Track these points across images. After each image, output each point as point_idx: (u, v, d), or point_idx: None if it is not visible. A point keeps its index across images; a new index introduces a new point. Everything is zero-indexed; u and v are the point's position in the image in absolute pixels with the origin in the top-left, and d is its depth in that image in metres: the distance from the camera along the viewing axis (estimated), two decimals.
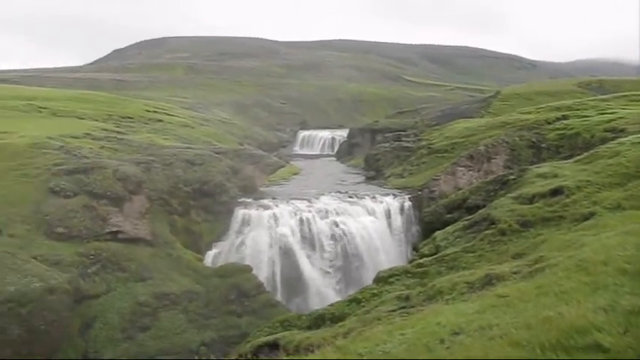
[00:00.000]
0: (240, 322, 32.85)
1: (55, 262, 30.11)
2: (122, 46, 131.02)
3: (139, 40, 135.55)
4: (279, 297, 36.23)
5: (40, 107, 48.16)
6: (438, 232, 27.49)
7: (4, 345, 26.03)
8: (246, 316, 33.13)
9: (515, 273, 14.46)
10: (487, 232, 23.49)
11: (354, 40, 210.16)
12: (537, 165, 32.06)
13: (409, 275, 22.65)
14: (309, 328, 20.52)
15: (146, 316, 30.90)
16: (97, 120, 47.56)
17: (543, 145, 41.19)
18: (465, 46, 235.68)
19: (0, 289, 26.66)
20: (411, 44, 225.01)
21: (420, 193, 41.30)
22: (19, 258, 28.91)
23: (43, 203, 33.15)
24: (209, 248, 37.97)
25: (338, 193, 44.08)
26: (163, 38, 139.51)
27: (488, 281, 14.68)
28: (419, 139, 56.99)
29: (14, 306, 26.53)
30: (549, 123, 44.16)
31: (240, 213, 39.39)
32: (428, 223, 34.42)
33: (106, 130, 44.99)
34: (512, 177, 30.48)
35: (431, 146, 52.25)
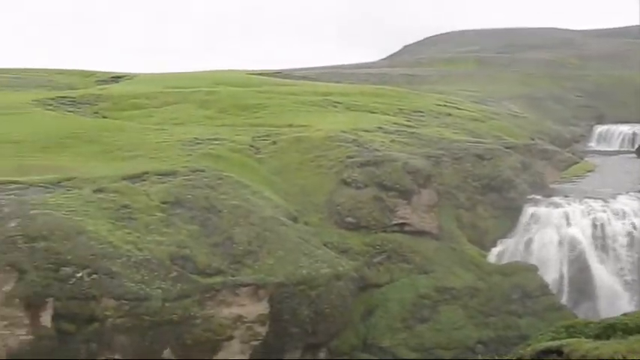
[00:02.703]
0: (520, 323, 31.85)
1: (344, 250, 31.50)
2: (411, 42, 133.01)
3: (428, 36, 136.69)
4: (564, 300, 34.50)
5: (335, 102, 50.44)
6: None
7: (293, 323, 27.90)
8: (526, 318, 32.04)
9: None
10: None
11: None
12: None
13: None
14: (597, 337, 19.13)
15: (426, 308, 31.18)
16: (388, 114, 48.72)
17: None
18: None
19: (294, 272, 28.53)
20: None
21: None
22: (312, 244, 30.65)
23: (336, 194, 34.78)
24: (493, 245, 37.21)
25: (638, 194, 40.72)
26: (450, 32, 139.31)
27: None
28: None
29: (305, 288, 28.28)
30: None
31: (528, 210, 38.11)
32: None
33: (396, 123, 45.90)
34: None
35: None
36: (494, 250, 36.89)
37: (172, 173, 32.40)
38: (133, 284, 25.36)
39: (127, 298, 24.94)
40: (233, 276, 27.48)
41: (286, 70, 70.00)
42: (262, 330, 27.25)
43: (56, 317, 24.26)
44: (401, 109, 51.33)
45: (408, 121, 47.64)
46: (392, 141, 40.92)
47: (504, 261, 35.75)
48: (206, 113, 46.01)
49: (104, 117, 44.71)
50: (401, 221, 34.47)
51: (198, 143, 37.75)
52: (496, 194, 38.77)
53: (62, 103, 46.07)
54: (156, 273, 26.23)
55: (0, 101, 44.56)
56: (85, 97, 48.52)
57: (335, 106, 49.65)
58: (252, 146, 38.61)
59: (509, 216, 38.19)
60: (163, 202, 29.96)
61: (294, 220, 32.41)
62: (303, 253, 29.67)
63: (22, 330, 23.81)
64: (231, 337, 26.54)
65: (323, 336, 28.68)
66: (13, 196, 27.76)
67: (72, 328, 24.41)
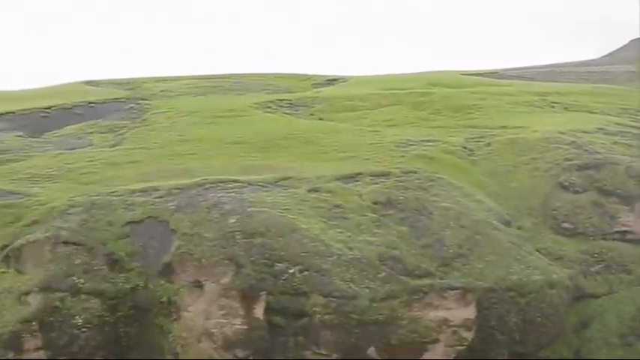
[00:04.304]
0: None
1: (558, 257, 30.16)
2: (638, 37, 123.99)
3: None
4: None
5: (553, 102, 48.39)
6: None
7: (500, 330, 27.10)
8: None
9: None
10: None
11: None
12: None
13: None
14: None
15: None
16: (609, 114, 45.97)
17: None
18: None
19: (504, 277, 27.74)
20: None
21: None
22: (524, 250, 29.64)
23: (551, 198, 33.43)
24: None
25: None
26: None
27: None
28: None
29: (515, 295, 27.38)
30: None
31: None
32: None
33: (619, 124, 43.18)
34: None
35: None
36: None
37: (385, 174, 32.76)
38: (342, 282, 25.93)
39: (336, 295, 25.53)
40: (441, 279, 27.24)
41: (501, 69, 68.14)
42: (468, 335, 26.75)
43: (268, 310, 25.39)
44: (624, 108, 48.20)
45: (633, 121, 44.62)
46: (614, 143, 38.54)
47: None
48: (419, 115, 46.05)
49: (320, 119, 46.15)
50: (623, 229, 32.43)
51: (411, 145, 37.89)
52: None
53: (280, 106, 48.19)
54: (365, 272, 26.64)
55: (224, 105, 47.53)
56: (301, 100, 50.38)
57: (552, 107, 47.74)
58: (465, 148, 38.11)
59: None
60: (375, 203, 30.38)
61: (507, 224, 31.51)
62: (514, 258, 28.76)
63: (237, 320, 25.23)
64: (436, 340, 26.30)
65: (532, 346, 27.60)
66: (233, 194, 29.44)
67: (282, 321, 25.44)
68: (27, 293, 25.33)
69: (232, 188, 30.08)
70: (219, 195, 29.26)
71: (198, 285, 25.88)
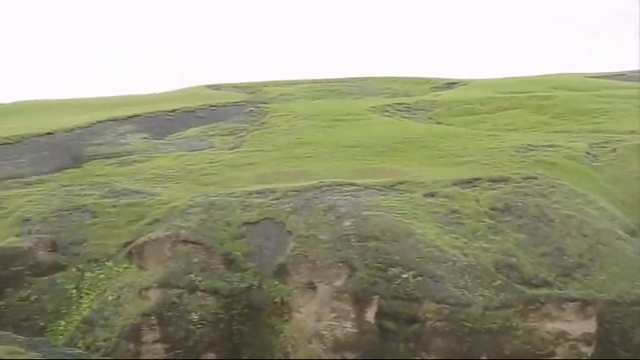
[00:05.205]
0: None
1: None
2: None
3: None
4: None
5: None
6: None
7: (623, 347, 25.74)
8: None
9: None
10: None
11: None
12: None
13: None
14: None
15: None
16: None
17: None
18: None
19: (628, 291, 26.48)
20: None
21: None
22: None
23: None
24: None
25: None
26: None
27: None
28: None
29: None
30: None
31: None
32: None
33: None
34: None
35: None
36: None
37: (504, 180, 32.02)
38: (455, 289, 25.47)
39: (449, 302, 25.08)
40: (560, 289, 26.26)
41: (628, 71, 65.14)
42: (587, 350, 25.58)
43: (379, 314, 25.22)
44: None
45: None
46: None
47: None
48: (541, 119, 44.80)
49: (438, 123, 45.67)
50: None
51: (531, 150, 36.90)
52: None
53: (398, 110, 47.99)
54: (479, 280, 26.07)
55: (341, 108, 47.83)
56: (420, 104, 50.01)
57: None
58: (588, 153, 36.78)
59: None
60: (492, 209, 29.75)
61: (632, 234, 30.11)
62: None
63: (348, 323, 25.20)
64: (552, 354, 25.29)
65: None
66: (349, 197, 29.55)
67: (393, 326, 25.20)
68: (147, 288, 26.34)
69: (348, 191, 30.21)
70: (335, 198, 29.44)
71: (312, 287, 26.10)
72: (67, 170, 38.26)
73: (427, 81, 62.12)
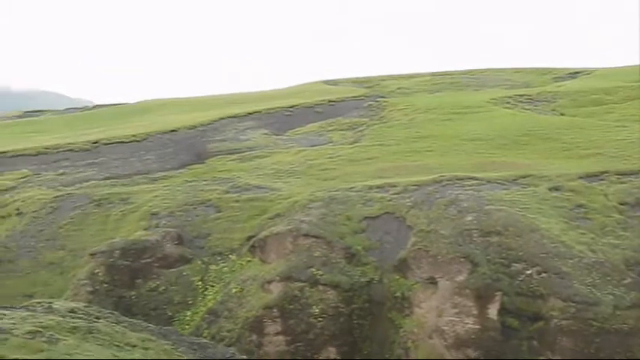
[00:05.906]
0: None
1: None
2: None
3: None
4: None
5: None
6: None
7: None
8: None
9: None
10: None
11: None
12: None
13: None
14: None
15: None
16: None
17: None
18: None
19: None
20: None
21: None
22: None
23: None
24: None
25: None
26: None
27: None
28: None
29: None
30: None
31: None
32: None
33: None
34: None
35: None
36: None
37: (634, 173, 30.77)
38: (582, 287, 24.49)
39: (575, 300, 24.12)
40: None
41: None
42: None
43: (502, 311, 24.63)
44: None
45: None
46: None
47: None
48: None
49: (562, 114, 44.25)
50: None
51: None
52: None
53: (520, 102, 46.86)
54: (608, 277, 24.97)
55: (460, 101, 47.13)
56: (542, 95, 48.66)
57: None
58: None
59: None
60: (622, 203, 28.63)
61: None
62: None
63: (469, 319, 24.74)
64: None
65: None
66: (471, 191, 29.06)
67: (516, 323, 24.58)
68: (270, 282, 26.82)
69: (469, 185, 29.74)
70: (456, 192, 29.03)
71: (433, 282, 25.81)
72: (191, 166, 39.57)
73: (549, 71, 60.35)
